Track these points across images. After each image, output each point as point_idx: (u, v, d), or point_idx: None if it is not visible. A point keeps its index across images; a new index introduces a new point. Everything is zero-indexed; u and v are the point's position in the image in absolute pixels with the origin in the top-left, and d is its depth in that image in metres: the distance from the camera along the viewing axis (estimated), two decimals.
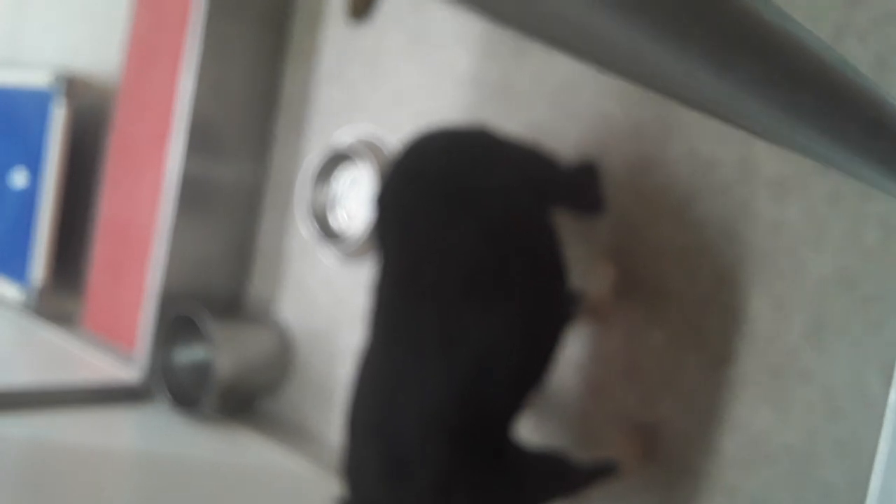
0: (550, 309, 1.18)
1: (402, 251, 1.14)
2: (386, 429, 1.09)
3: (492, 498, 1.11)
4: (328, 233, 1.95)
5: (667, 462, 1.43)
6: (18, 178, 2.61)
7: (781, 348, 1.32)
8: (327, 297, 1.98)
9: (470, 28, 1.77)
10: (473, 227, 1.10)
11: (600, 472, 1.39)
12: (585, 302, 1.46)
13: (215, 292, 2.13)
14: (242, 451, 1.84)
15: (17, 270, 2.53)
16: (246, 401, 1.98)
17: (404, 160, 1.17)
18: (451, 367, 1.06)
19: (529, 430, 1.59)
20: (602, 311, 1.50)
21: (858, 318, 1.26)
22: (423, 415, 1.06)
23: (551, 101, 1.63)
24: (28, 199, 2.54)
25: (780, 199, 1.34)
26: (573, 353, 1.56)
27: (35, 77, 2.59)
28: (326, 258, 1.99)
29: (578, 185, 1.52)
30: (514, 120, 1.68)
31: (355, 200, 1.93)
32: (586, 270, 1.53)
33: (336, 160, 1.94)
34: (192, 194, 2.04)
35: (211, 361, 1.92)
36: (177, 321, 2.00)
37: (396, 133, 1.88)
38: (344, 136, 1.94)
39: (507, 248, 1.11)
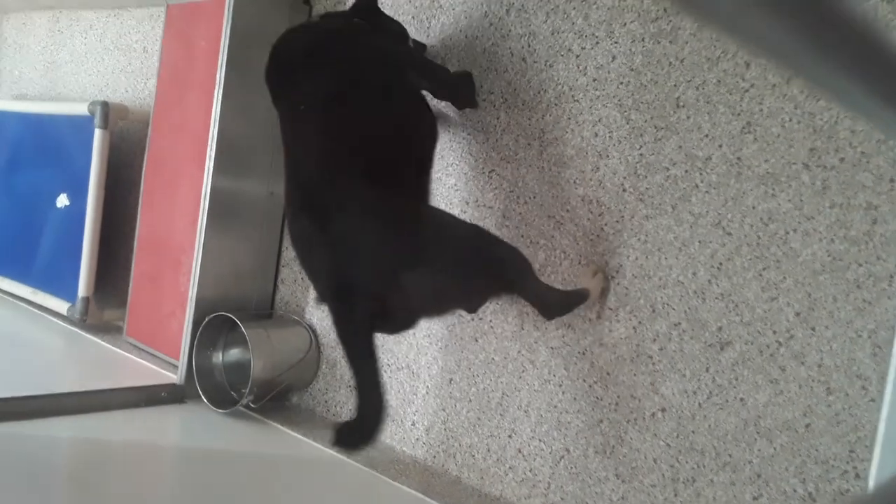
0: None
1: (291, 99, 1.46)
2: (312, 202, 1.33)
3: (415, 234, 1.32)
4: None
5: (671, 441, 1.43)
6: (63, 200, 2.65)
7: (777, 331, 1.33)
8: None
9: None
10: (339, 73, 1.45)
11: (574, 296, 1.53)
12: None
13: (247, 298, 2.16)
14: (276, 443, 1.86)
15: (64, 286, 2.58)
16: (279, 397, 2.00)
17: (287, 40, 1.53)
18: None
19: None
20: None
21: (849, 300, 1.26)
22: (324, 170, 1.35)
23: (554, 113, 1.64)
24: (73, 218, 2.58)
25: (770, 192, 1.34)
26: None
27: (75, 106, 2.63)
28: None
29: (449, 82, 1.75)
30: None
31: None
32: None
33: None
34: (223, 208, 2.08)
35: (247, 361, 1.95)
36: (212, 326, 2.03)
37: None
38: None
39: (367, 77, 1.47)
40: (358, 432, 1.25)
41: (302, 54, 1.49)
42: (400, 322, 1.36)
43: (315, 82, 1.44)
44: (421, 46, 1.85)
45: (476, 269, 1.39)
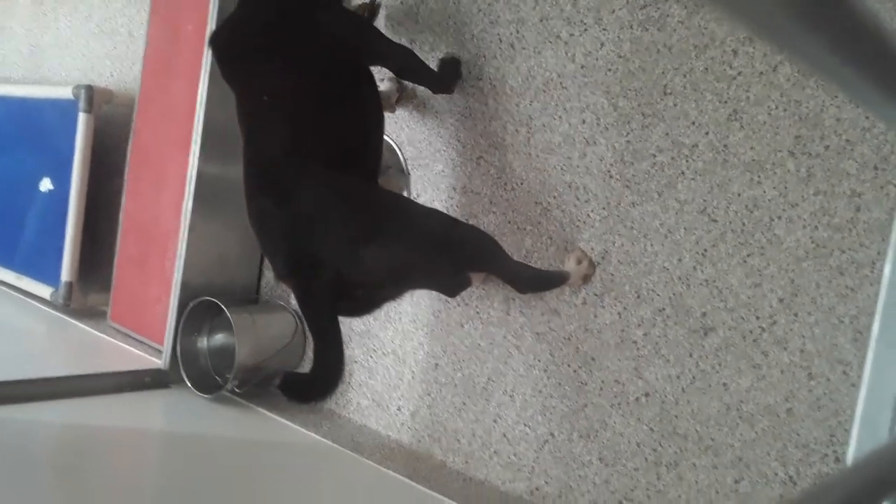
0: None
1: (246, 80, 1.47)
2: (265, 184, 1.36)
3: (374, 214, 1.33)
4: None
5: (654, 425, 1.44)
6: (47, 184, 2.62)
7: (760, 317, 1.33)
8: None
9: None
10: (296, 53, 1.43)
11: (552, 276, 1.55)
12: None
13: (232, 283, 2.14)
14: (261, 428, 1.86)
15: (47, 270, 2.55)
16: (263, 382, 1.99)
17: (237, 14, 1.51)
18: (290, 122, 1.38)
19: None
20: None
21: (832, 287, 1.27)
22: (285, 155, 1.35)
23: (542, 100, 1.64)
24: (56, 203, 2.55)
25: (755, 180, 1.35)
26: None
27: (59, 90, 2.60)
28: None
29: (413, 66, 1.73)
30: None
31: None
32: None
33: None
34: (208, 193, 2.06)
35: (232, 346, 1.94)
36: (197, 311, 2.02)
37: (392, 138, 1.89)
38: None
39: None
40: (306, 388, 1.28)
41: (261, 40, 1.46)
42: (361, 300, 1.36)
43: (274, 69, 1.43)
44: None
45: (435, 246, 1.38)
